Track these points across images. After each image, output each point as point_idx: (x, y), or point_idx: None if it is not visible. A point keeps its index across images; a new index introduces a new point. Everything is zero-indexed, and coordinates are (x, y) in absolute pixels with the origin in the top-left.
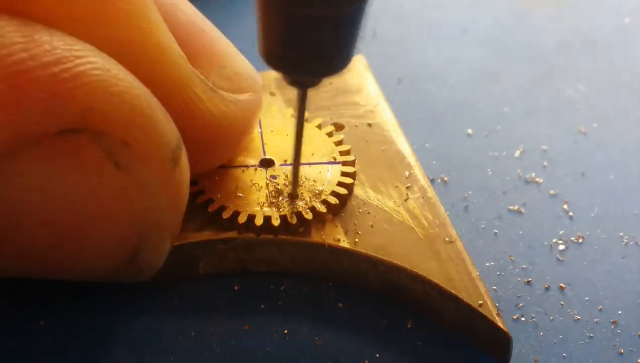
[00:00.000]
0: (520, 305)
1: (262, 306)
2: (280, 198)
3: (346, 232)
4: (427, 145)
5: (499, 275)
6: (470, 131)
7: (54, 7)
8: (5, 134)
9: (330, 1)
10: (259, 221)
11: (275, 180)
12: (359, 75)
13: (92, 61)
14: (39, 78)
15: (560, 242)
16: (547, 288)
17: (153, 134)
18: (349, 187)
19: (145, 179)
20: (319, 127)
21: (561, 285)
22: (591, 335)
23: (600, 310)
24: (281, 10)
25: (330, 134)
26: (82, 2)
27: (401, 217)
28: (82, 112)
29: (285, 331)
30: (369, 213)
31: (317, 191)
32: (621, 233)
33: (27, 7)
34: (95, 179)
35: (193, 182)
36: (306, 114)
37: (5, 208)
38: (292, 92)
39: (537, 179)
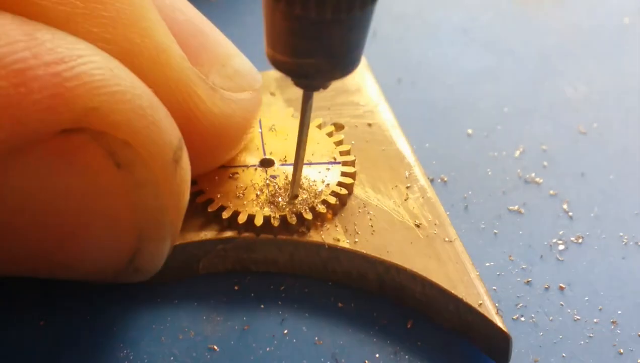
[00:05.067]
0: (520, 305)
1: (262, 306)
2: (280, 198)
3: (346, 232)
4: (427, 145)
5: (498, 275)
6: (470, 131)
7: (55, 7)
8: (7, 132)
9: (340, 6)
10: (258, 221)
11: (275, 180)
12: (359, 75)
13: (94, 60)
14: (41, 76)
15: (560, 242)
16: (547, 288)
17: (154, 134)
18: (349, 187)
19: (146, 179)
20: (319, 127)
21: (561, 285)
22: (591, 335)
23: (600, 310)
24: (290, 14)
25: (330, 134)
26: (82, 2)
27: (401, 217)
28: (83, 111)
29: (285, 331)
30: (368, 213)
31: (317, 191)
32: (621, 233)
33: (28, 7)
34: (96, 179)
35: (193, 181)
36: None
37: (6, 207)
38: (292, 92)
39: (537, 179)
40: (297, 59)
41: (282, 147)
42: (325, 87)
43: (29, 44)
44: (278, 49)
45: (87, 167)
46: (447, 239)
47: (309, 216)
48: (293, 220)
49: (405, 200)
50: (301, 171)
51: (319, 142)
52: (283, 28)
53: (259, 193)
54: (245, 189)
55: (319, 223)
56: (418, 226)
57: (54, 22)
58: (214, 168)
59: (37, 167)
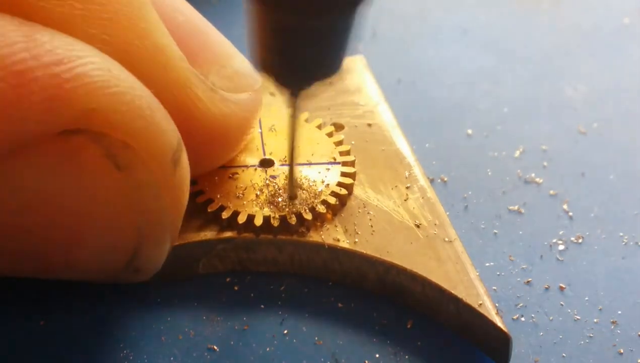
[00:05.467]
0: (520, 305)
1: (262, 306)
2: (280, 198)
3: (346, 232)
4: (426, 145)
5: (498, 275)
6: (470, 131)
7: (53, 8)
8: (6, 133)
9: (318, 12)
10: (258, 221)
11: (274, 180)
12: (359, 75)
13: (93, 61)
14: (40, 78)
15: (560, 242)
16: (547, 289)
17: (154, 135)
18: (349, 188)
19: (145, 180)
20: (319, 127)
21: (561, 285)
22: (591, 335)
23: (600, 310)
24: (270, 20)
25: (330, 134)
26: (80, 3)
27: (401, 217)
28: (83, 112)
29: (285, 331)
30: (368, 213)
31: (316, 191)
32: (621, 233)
33: (26, 8)
34: (95, 180)
35: (193, 181)
36: (306, 114)
37: (5, 208)
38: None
39: (537, 179)
40: (277, 64)
41: (282, 147)
42: (307, 89)
43: (27, 45)
44: (260, 52)
45: (86, 168)
46: (447, 239)
47: (308, 216)
48: (293, 220)
49: (405, 200)
50: (292, 171)
51: (318, 143)
52: (266, 35)
53: (258, 193)
54: (245, 189)
55: (318, 223)
56: (418, 226)
57: (52, 24)
58: (213, 168)
59: (36, 168)
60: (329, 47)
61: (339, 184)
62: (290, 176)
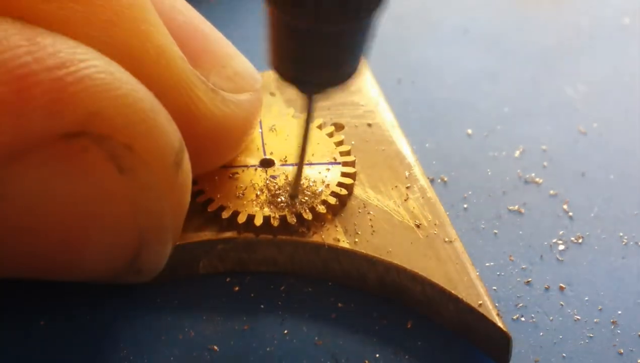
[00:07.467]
0: (520, 305)
1: (262, 306)
2: (280, 198)
3: (346, 232)
4: (427, 145)
5: (498, 275)
6: (470, 131)
7: (54, 11)
8: (10, 136)
9: (338, 18)
10: (258, 221)
11: (275, 180)
12: (359, 75)
13: (95, 64)
14: (43, 81)
15: (560, 242)
16: (547, 289)
17: (156, 137)
18: (349, 188)
19: (148, 183)
20: (320, 127)
21: (561, 285)
22: (591, 335)
23: (600, 310)
24: (289, 24)
25: (330, 135)
26: (81, 5)
27: (401, 217)
28: (86, 115)
29: (285, 331)
30: (368, 213)
31: (317, 191)
32: (621, 234)
33: (27, 11)
34: (98, 183)
35: (193, 181)
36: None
37: (9, 210)
38: (292, 93)
39: (537, 179)
40: (297, 69)
41: (282, 147)
42: (326, 91)
43: (30, 49)
44: (279, 58)
45: (89, 171)
46: (447, 239)
47: (308, 216)
48: (293, 220)
49: (405, 200)
50: (301, 171)
51: (319, 143)
52: (282, 38)
53: (258, 193)
54: (245, 189)
55: (319, 223)
56: (418, 226)
57: (53, 27)
58: (214, 168)
59: (39, 171)
60: (348, 51)
61: (339, 184)
62: (298, 176)
